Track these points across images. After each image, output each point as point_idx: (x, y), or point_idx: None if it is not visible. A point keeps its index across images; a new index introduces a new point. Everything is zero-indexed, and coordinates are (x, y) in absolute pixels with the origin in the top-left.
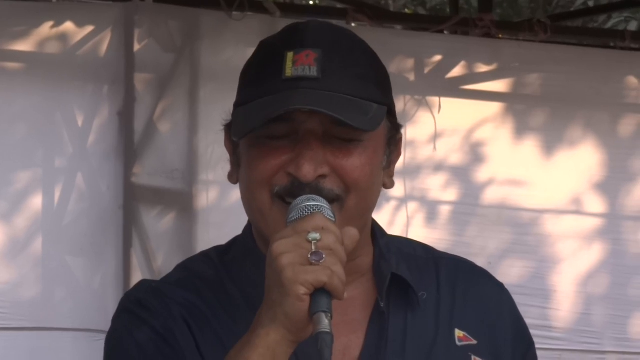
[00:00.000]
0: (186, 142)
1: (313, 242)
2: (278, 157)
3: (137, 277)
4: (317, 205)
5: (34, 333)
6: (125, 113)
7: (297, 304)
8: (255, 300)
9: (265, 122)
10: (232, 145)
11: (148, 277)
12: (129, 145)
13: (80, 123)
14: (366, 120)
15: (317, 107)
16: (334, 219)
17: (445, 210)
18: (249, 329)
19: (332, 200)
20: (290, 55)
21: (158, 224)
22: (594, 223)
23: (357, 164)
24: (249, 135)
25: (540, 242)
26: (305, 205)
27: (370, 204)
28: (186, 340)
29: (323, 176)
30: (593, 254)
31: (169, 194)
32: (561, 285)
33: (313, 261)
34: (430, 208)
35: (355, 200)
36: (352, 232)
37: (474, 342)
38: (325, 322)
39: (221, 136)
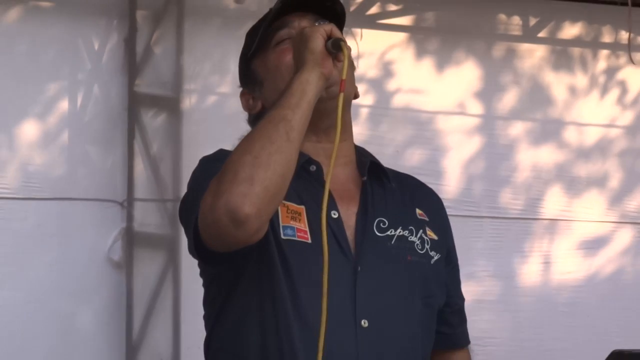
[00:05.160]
0: (174, 61)
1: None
2: (288, 51)
3: (138, 160)
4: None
5: (61, 202)
6: (129, 40)
7: (318, 38)
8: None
9: (274, 20)
10: (252, 88)
11: (146, 161)
12: (132, 64)
13: (96, 47)
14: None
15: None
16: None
17: (364, 111)
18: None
19: None
20: None
21: (154, 121)
22: (474, 122)
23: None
24: (262, 57)
25: (434, 136)
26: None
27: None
28: None
29: None
30: (473, 144)
31: (161, 99)
32: (450, 167)
33: (320, 23)
34: (354, 110)
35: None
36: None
37: (427, 219)
38: (339, 38)
39: (200, 56)
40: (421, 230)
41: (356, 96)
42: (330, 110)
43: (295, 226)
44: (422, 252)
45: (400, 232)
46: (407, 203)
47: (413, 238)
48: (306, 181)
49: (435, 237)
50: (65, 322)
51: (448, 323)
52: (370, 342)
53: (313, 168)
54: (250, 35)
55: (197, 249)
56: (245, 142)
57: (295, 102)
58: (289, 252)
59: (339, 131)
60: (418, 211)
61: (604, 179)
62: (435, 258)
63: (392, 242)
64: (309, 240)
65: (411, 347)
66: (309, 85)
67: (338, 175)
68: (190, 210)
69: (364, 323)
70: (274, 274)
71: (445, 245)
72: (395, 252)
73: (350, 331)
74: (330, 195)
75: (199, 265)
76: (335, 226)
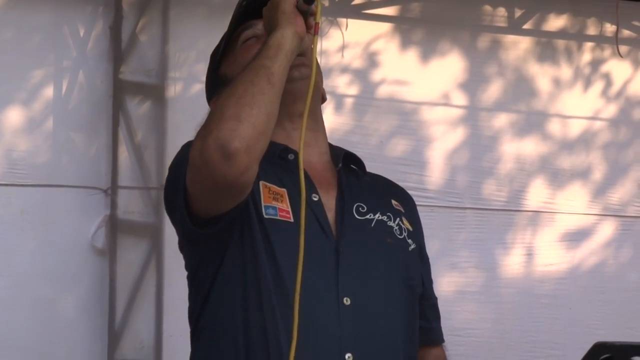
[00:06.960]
0: (159, 49)
1: None
2: (255, 45)
3: (123, 148)
4: None
5: (45, 188)
6: (115, 27)
7: (288, 0)
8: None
9: (240, 21)
10: (216, 83)
11: (131, 148)
12: (117, 51)
13: (81, 34)
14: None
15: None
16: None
17: (349, 101)
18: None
19: None
20: None
21: (138, 109)
22: (458, 112)
23: None
24: (229, 58)
25: (419, 126)
26: None
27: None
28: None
29: None
30: (457, 135)
31: (146, 86)
32: (434, 158)
33: None
34: (338, 100)
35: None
36: None
37: (403, 210)
38: None
39: (185, 44)
40: (398, 218)
41: (323, 99)
42: (303, 91)
43: (278, 206)
44: (400, 237)
45: (379, 216)
46: (382, 193)
47: (391, 223)
48: (285, 169)
49: (411, 228)
50: (47, 309)
51: (424, 316)
52: (353, 319)
53: (291, 157)
54: (216, 52)
55: (189, 214)
56: (228, 89)
57: (273, 53)
58: (271, 231)
59: (315, 69)
60: (394, 202)
61: (587, 172)
62: (412, 246)
63: (372, 225)
64: (292, 220)
65: (393, 325)
66: (284, 39)
67: (315, 164)
68: (175, 184)
69: (346, 301)
70: (256, 252)
71: (419, 240)
72: (375, 234)
73: (332, 309)
74: (310, 180)
75: (184, 257)
76: (317, 208)
